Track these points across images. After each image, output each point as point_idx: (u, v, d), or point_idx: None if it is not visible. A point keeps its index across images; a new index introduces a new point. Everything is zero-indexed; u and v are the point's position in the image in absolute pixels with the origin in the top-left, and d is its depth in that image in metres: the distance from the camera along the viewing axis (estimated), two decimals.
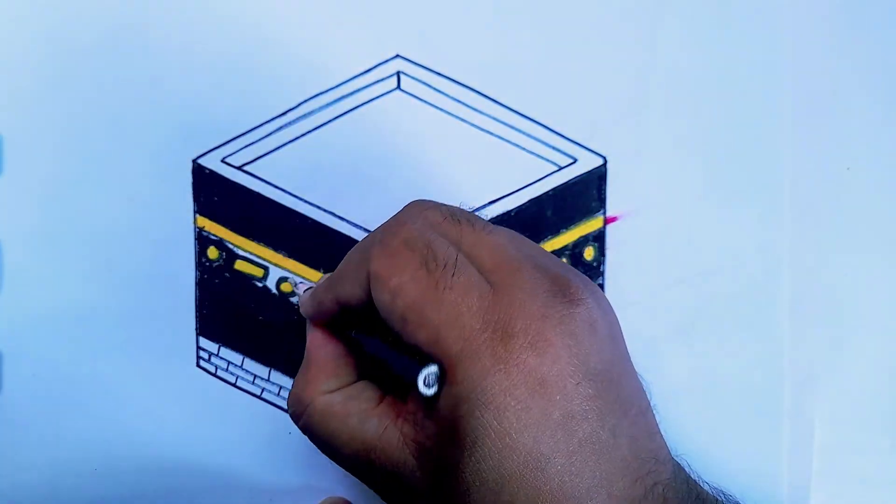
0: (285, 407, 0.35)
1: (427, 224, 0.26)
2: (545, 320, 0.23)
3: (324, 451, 0.29)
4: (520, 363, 0.23)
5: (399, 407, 0.27)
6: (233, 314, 0.35)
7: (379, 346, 0.32)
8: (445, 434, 0.24)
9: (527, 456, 0.22)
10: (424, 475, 0.25)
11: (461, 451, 0.23)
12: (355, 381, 0.29)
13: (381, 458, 0.26)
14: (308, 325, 0.31)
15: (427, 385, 0.24)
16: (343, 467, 0.29)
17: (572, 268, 0.27)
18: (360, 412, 0.27)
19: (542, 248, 0.29)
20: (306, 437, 0.29)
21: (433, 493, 0.25)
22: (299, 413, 0.29)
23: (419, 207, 0.27)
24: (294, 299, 0.35)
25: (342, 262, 0.29)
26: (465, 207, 0.29)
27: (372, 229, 0.34)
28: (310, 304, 0.30)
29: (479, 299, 0.24)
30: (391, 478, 0.26)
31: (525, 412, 0.23)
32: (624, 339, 0.26)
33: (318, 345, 0.30)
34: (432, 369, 0.24)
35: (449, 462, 0.24)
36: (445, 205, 0.28)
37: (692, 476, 0.26)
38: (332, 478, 0.35)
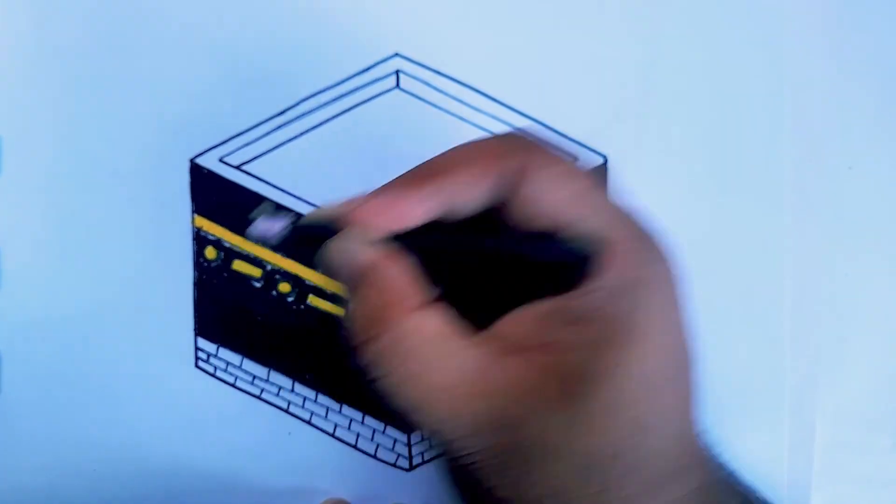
0: (284, 407, 0.35)
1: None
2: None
3: (397, 389, 0.23)
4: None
5: (508, 336, 0.23)
6: (231, 314, 0.35)
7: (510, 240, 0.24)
8: (597, 333, 0.22)
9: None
10: (551, 399, 0.21)
11: (621, 350, 0.21)
12: (436, 301, 0.23)
13: (486, 391, 0.22)
14: (357, 237, 0.23)
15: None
16: (419, 405, 0.22)
17: None
18: (460, 337, 0.22)
19: None
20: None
21: (566, 420, 0.21)
22: (377, 339, 0.22)
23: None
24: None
25: (443, 156, 0.24)
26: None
27: None
28: (387, 202, 0.24)
29: (630, 235, 0.24)
30: (492, 410, 0.22)
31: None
32: None
33: (386, 255, 0.23)
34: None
35: (599, 368, 0.21)
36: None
37: None
38: (331, 478, 0.35)
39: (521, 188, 0.23)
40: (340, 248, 0.24)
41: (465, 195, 0.23)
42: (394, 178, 0.25)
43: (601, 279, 0.22)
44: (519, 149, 0.24)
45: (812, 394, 0.36)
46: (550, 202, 0.23)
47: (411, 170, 0.24)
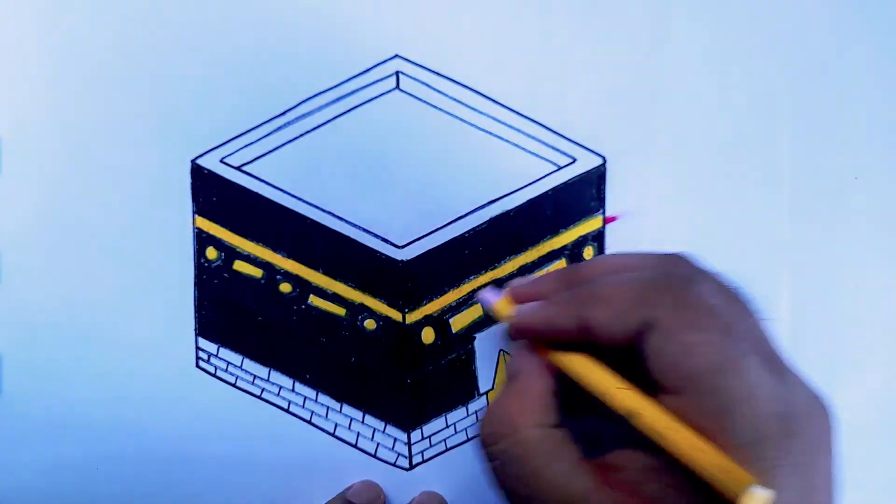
0: (285, 406, 0.36)
1: (716, 290, 0.25)
2: (813, 426, 0.24)
3: (507, 489, 0.26)
4: (798, 466, 0.23)
5: (608, 472, 0.25)
6: (232, 314, 0.35)
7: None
8: None
9: None
10: None
11: None
12: (559, 425, 0.27)
13: None
14: (517, 346, 0.28)
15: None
16: None
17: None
18: (573, 461, 0.25)
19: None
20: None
21: None
22: (503, 437, 0.26)
23: (696, 267, 0.26)
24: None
25: (596, 287, 0.26)
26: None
27: (371, 229, 0.35)
28: (540, 317, 0.27)
29: (772, 385, 0.23)
30: None
31: None
32: None
33: (536, 372, 0.27)
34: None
35: None
36: (717, 274, 0.26)
37: None
38: (331, 477, 0.35)
39: (651, 340, 0.24)
40: (513, 350, 0.29)
41: (612, 329, 0.25)
42: (553, 281, 0.29)
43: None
44: (660, 293, 0.25)
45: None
46: (670, 364, 0.24)
47: (582, 286, 0.27)
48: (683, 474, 0.23)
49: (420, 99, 0.35)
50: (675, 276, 0.26)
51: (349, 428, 0.36)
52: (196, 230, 0.35)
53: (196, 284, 0.35)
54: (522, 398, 0.27)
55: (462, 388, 0.35)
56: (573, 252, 0.36)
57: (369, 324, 0.35)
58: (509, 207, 0.35)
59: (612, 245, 0.36)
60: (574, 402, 0.27)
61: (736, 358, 0.23)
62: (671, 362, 0.24)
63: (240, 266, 0.35)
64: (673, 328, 0.24)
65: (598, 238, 0.36)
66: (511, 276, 0.35)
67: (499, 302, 0.30)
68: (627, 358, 0.25)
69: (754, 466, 0.22)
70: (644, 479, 0.24)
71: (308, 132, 0.35)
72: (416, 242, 0.35)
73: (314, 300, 0.35)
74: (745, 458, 0.22)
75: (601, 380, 0.26)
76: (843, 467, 0.25)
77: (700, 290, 0.25)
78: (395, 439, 0.36)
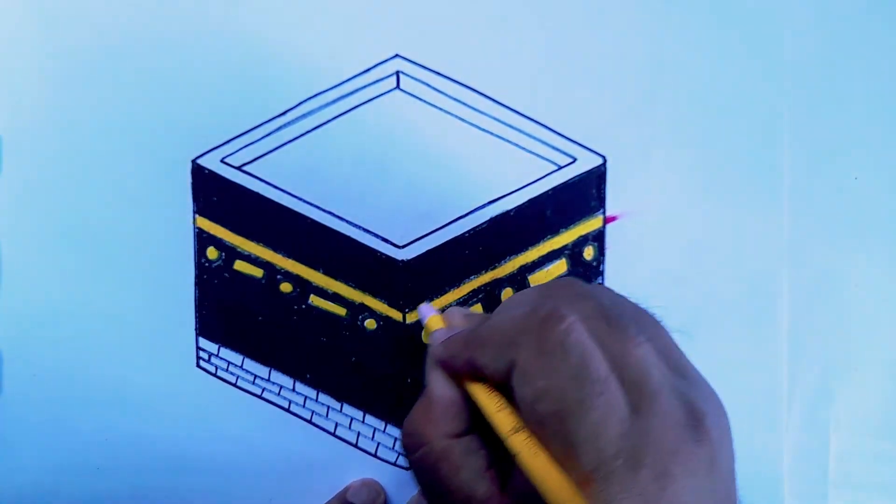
0: (285, 406, 0.36)
1: (583, 319, 0.26)
2: (674, 456, 0.24)
3: (423, 488, 0.29)
4: (645, 494, 0.23)
5: (513, 479, 0.27)
6: (233, 314, 0.36)
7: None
8: None
9: None
10: None
11: None
12: (468, 432, 0.29)
13: None
14: (431, 362, 0.30)
15: None
16: None
17: (707, 386, 0.27)
18: (474, 470, 0.28)
19: (684, 358, 0.27)
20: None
21: None
22: (415, 448, 0.29)
23: (574, 293, 0.27)
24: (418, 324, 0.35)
25: (484, 327, 0.28)
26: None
27: (371, 229, 0.35)
28: (442, 352, 0.30)
29: (619, 424, 0.24)
30: None
31: None
32: (734, 470, 0.27)
33: (442, 387, 0.29)
34: None
35: None
36: (599, 296, 0.27)
37: None
38: (332, 477, 0.35)
39: (513, 380, 0.26)
40: (427, 362, 0.31)
41: (489, 369, 0.27)
42: (472, 328, 0.30)
43: None
44: (523, 334, 0.26)
45: (825, 404, 0.36)
46: (526, 405, 0.26)
47: (479, 326, 0.29)
48: None
49: (420, 99, 0.35)
50: (540, 314, 0.26)
51: (349, 427, 0.36)
52: (196, 230, 0.35)
53: (196, 284, 0.35)
54: (431, 410, 0.29)
55: None
56: (573, 252, 0.36)
57: (370, 323, 0.35)
58: (509, 207, 0.35)
59: (613, 244, 0.36)
60: None
61: (581, 400, 0.24)
62: (527, 404, 0.25)
63: (240, 266, 0.35)
64: (528, 371, 0.25)
65: (598, 238, 0.36)
66: (511, 275, 0.35)
67: (428, 320, 0.32)
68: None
69: (599, 498, 0.23)
70: (529, 493, 0.25)
71: (308, 132, 0.35)
72: (417, 242, 0.35)
73: (314, 300, 0.35)
74: (592, 491, 0.24)
75: (486, 402, 0.27)
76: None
77: (560, 328, 0.25)
78: (396, 438, 0.36)
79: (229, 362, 0.36)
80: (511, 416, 0.26)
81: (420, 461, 0.29)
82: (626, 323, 0.26)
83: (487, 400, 0.27)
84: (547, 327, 0.26)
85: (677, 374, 0.26)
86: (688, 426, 0.25)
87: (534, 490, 0.25)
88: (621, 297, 0.28)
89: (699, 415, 0.25)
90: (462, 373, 0.29)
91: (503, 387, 0.27)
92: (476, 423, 0.29)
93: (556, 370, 0.25)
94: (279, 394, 0.36)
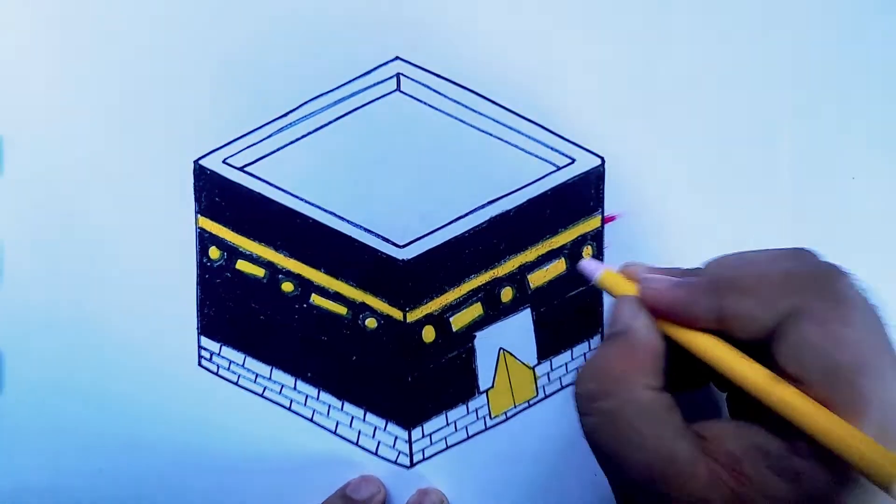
0: (286, 405, 0.36)
1: (856, 286, 0.25)
2: None
3: (607, 448, 0.25)
4: None
5: (708, 443, 0.25)
6: (234, 314, 0.36)
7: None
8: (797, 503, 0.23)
9: None
10: None
11: None
12: (663, 390, 0.26)
13: (679, 484, 0.24)
14: (634, 308, 0.27)
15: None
16: (615, 472, 0.26)
17: None
18: (678, 427, 0.25)
19: None
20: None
21: None
22: (607, 394, 0.25)
23: (830, 263, 0.26)
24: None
25: (734, 277, 0.26)
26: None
27: (372, 229, 0.35)
28: (675, 298, 0.26)
29: None
30: (679, 500, 0.24)
31: None
32: None
33: (650, 334, 0.26)
34: None
35: None
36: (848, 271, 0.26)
37: None
38: (333, 475, 0.36)
39: (796, 329, 0.24)
40: (622, 304, 0.27)
41: (746, 321, 0.25)
42: (690, 273, 0.27)
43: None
44: (808, 283, 0.25)
45: None
46: (815, 354, 0.24)
47: (707, 275, 0.26)
48: (796, 461, 0.23)
49: (421, 100, 0.35)
50: (821, 266, 0.25)
51: (350, 426, 0.36)
52: (199, 230, 0.36)
53: (198, 284, 0.36)
54: (632, 355, 0.26)
55: (462, 386, 0.36)
56: (572, 251, 0.36)
57: (370, 322, 0.35)
58: (509, 207, 0.35)
59: (611, 245, 0.36)
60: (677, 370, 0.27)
61: (877, 358, 0.23)
62: (816, 353, 0.23)
63: (242, 266, 0.36)
64: (824, 318, 0.24)
65: (596, 237, 0.36)
66: (511, 275, 0.36)
67: (608, 274, 0.29)
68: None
69: None
70: (745, 457, 0.24)
71: (310, 133, 0.35)
72: (417, 242, 0.35)
73: (316, 299, 0.35)
74: None
75: (729, 354, 0.25)
76: None
77: (848, 282, 0.25)
78: (396, 437, 0.36)
79: (231, 361, 0.36)
80: (764, 369, 0.24)
81: (615, 412, 0.25)
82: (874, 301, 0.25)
83: (728, 352, 0.25)
84: (835, 279, 0.25)
85: None
86: None
87: (751, 455, 0.23)
88: None
89: None
90: (698, 321, 0.25)
91: (745, 344, 0.25)
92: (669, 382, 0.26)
93: (854, 321, 0.24)
94: (280, 392, 0.36)
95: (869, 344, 0.23)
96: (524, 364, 0.36)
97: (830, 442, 0.22)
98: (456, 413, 0.36)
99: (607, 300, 0.36)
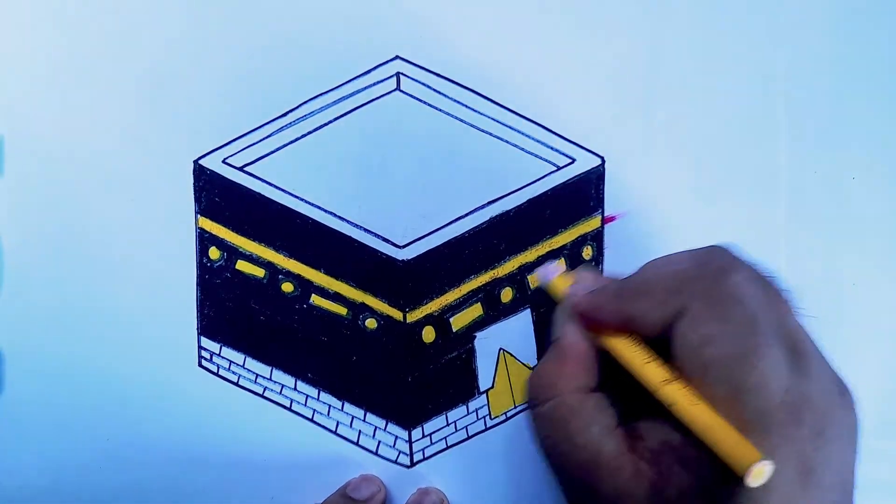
0: (287, 405, 0.36)
1: (749, 280, 0.26)
2: (827, 418, 0.25)
3: (544, 443, 0.28)
4: (802, 451, 0.24)
5: (634, 440, 0.27)
6: (234, 314, 0.36)
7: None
8: (699, 493, 0.25)
9: None
10: None
11: None
12: (596, 390, 0.29)
13: (607, 479, 0.26)
14: (566, 315, 0.30)
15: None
16: (555, 469, 0.28)
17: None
18: (604, 426, 0.27)
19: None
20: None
21: None
22: (544, 399, 0.28)
23: (732, 256, 0.27)
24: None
25: (637, 281, 0.28)
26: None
27: (372, 229, 0.35)
28: (588, 303, 0.29)
29: (783, 378, 0.24)
30: (605, 500, 0.26)
31: (792, 496, 0.24)
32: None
33: (577, 339, 0.29)
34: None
35: None
36: (752, 262, 0.27)
37: None
38: (333, 475, 0.36)
39: (678, 327, 0.26)
40: (557, 313, 0.30)
41: (646, 319, 0.27)
42: (618, 281, 0.29)
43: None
44: (693, 283, 0.26)
45: None
46: (691, 351, 0.26)
47: (619, 281, 0.29)
48: (694, 453, 0.25)
49: (420, 100, 0.35)
50: (710, 266, 0.27)
51: (350, 426, 0.36)
52: (198, 230, 0.36)
53: (198, 284, 0.36)
54: (563, 361, 0.29)
55: (462, 386, 0.36)
56: (572, 251, 0.36)
57: (370, 323, 0.35)
58: (509, 207, 0.35)
59: (611, 245, 0.36)
60: (614, 369, 0.29)
61: (753, 348, 0.25)
62: (693, 349, 0.25)
63: (242, 266, 0.36)
64: (699, 317, 0.26)
65: (596, 238, 0.36)
66: (511, 275, 0.36)
67: (557, 277, 0.32)
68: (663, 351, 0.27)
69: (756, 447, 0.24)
70: (661, 451, 0.26)
71: (310, 133, 0.35)
72: (417, 242, 0.35)
73: (316, 300, 0.35)
74: (749, 440, 0.24)
75: (632, 355, 0.27)
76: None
77: (732, 280, 0.26)
78: (396, 437, 0.36)
79: (231, 361, 0.36)
80: (661, 369, 0.26)
81: (548, 413, 0.28)
82: (780, 289, 0.27)
83: (633, 353, 0.27)
84: (719, 278, 0.26)
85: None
86: (837, 393, 0.26)
87: (664, 450, 0.25)
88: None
89: (843, 384, 0.26)
90: (607, 325, 0.28)
91: (652, 342, 0.27)
92: (604, 382, 0.29)
93: (729, 318, 0.25)
94: (281, 393, 0.36)
95: (744, 336, 0.25)
96: (524, 364, 0.36)
97: (699, 433, 0.24)
98: (456, 413, 0.36)
99: None
